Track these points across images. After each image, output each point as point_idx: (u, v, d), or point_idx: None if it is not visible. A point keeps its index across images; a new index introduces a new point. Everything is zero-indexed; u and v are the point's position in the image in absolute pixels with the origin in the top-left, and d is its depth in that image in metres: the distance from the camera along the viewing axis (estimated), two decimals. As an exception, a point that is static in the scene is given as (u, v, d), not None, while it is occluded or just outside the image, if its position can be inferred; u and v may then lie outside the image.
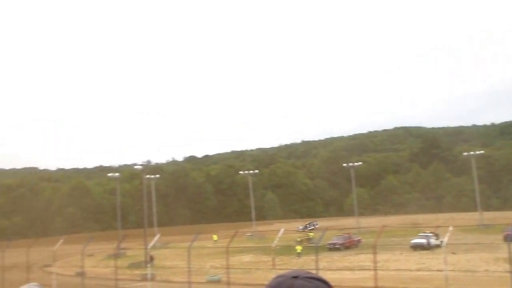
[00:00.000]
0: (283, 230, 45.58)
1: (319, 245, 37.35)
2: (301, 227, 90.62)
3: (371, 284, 31.77)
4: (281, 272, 1.86)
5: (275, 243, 42.27)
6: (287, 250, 58.74)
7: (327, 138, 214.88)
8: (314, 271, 2.11)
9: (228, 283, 37.10)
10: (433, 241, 55.88)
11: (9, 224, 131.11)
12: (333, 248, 61.82)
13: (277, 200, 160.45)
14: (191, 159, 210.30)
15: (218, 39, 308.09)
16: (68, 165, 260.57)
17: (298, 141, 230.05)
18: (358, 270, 43.09)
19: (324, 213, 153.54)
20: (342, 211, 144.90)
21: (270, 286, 1.76)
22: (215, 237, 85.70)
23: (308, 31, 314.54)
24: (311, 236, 72.90)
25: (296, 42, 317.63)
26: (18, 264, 53.44)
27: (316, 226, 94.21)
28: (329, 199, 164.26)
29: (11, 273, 49.61)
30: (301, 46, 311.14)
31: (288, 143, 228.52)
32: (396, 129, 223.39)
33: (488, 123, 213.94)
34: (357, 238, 67.14)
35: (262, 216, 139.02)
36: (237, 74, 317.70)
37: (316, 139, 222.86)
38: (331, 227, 69.40)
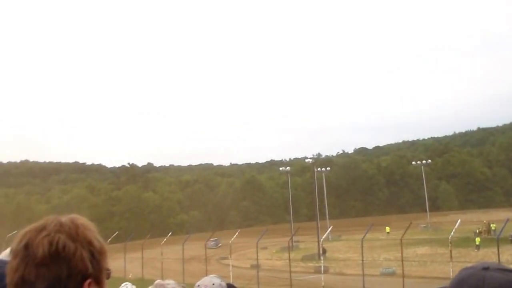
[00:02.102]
0: (460, 221, 43.53)
1: (500, 237, 35.10)
2: (213, 243, 76.95)
3: None
4: (466, 264, 1.68)
5: (452, 234, 40.38)
6: (464, 242, 56.33)
7: (505, 124, 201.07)
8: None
9: (403, 276, 36.10)
10: None
11: (188, 218, 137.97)
12: (517, 240, 58.29)
13: (452, 191, 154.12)
14: (361, 151, 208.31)
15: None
16: (241, 160, 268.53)
17: (474, 128, 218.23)
18: (547, 264, 39.97)
19: (504, 202, 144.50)
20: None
21: (458, 279, 1.58)
22: (388, 229, 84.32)
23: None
24: (493, 228, 69.15)
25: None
26: (196, 257, 56.22)
27: (219, 245, 79.00)
28: (510, 189, 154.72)
29: (190, 264, 52.09)
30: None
31: (462, 131, 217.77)
32: None
33: None
34: (544, 230, 62.48)
35: (436, 207, 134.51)
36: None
37: (493, 125, 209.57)
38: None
